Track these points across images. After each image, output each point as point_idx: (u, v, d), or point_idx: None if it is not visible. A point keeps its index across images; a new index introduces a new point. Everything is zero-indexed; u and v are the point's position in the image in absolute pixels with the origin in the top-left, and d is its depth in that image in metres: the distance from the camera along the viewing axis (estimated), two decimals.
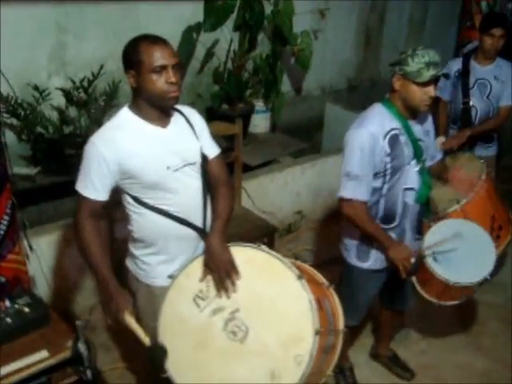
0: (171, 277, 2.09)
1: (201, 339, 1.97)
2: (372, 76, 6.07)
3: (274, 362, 1.88)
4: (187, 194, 2.08)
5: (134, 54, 1.92)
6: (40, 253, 3.05)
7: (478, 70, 3.64)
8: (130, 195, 2.05)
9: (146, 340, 1.95)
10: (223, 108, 4.39)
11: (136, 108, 2.01)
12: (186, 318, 2.00)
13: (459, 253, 2.54)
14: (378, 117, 2.37)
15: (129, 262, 2.22)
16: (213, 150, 2.22)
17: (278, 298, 1.94)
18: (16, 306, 2.20)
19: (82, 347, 2.02)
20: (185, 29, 3.93)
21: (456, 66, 3.71)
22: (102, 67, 3.63)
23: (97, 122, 3.74)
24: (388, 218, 2.48)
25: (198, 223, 2.12)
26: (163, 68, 1.90)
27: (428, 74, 2.24)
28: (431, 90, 2.28)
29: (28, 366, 2.01)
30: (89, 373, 2.07)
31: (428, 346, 3.42)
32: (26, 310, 2.18)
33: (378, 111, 2.41)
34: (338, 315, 2.16)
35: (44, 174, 3.60)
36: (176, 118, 2.10)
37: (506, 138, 4.05)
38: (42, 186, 3.57)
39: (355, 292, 2.65)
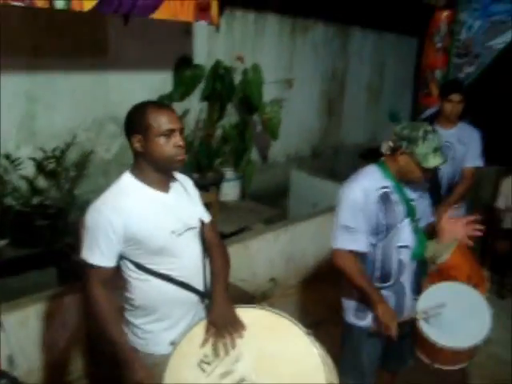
0: (173, 343, 2.02)
1: None
2: (334, 143, 6.23)
3: None
4: (190, 258, 2.08)
5: (141, 119, 1.93)
6: (11, 330, 2.86)
7: (442, 133, 3.75)
8: (131, 262, 2.01)
9: None
10: (194, 177, 4.38)
11: (139, 173, 2.01)
12: (191, 383, 1.93)
13: (454, 316, 2.52)
14: (371, 175, 2.45)
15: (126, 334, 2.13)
16: (206, 216, 2.25)
17: (288, 356, 1.93)
18: None
19: None
20: (158, 98, 3.96)
21: None
22: (75, 137, 3.58)
23: (68, 193, 3.67)
24: (384, 275, 2.48)
25: (199, 286, 2.10)
26: (171, 132, 1.93)
27: (434, 161, 2.32)
28: (430, 172, 2.39)
29: None
30: None
31: None
32: None
33: (371, 170, 2.48)
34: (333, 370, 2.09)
35: (12, 246, 3.46)
36: (174, 184, 2.11)
37: (471, 197, 4.15)
38: (8, 259, 3.42)
39: (357, 354, 2.59)
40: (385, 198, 2.40)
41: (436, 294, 2.59)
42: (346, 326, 2.62)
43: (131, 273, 2.02)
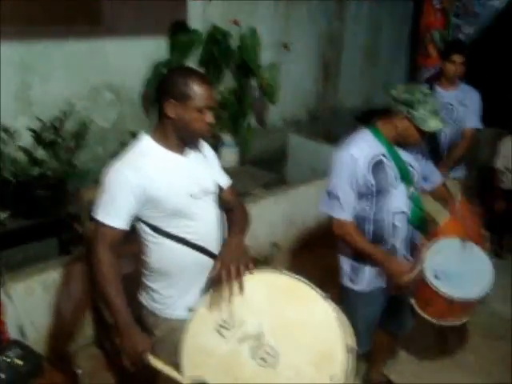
0: (191, 309, 2.02)
1: (229, 369, 1.91)
2: (331, 106, 6.19)
3: (309, 382, 1.85)
4: (207, 222, 2.07)
5: (182, 86, 1.90)
6: (18, 300, 2.88)
7: (443, 94, 3.76)
8: (148, 225, 2.01)
9: (181, 378, 1.87)
10: None
11: (160, 137, 1.99)
12: (211, 349, 1.93)
13: (459, 270, 2.58)
14: (363, 141, 2.43)
15: (144, 298, 2.16)
16: (225, 180, 2.25)
17: (306, 320, 1.92)
18: (7, 359, 2.04)
19: None
20: (154, 65, 3.91)
21: None
22: (72, 106, 3.55)
23: (67, 163, 3.65)
24: (377, 240, 2.49)
25: (217, 251, 2.09)
26: (207, 108, 1.93)
27: (434, 124, 2.31)
28: (428, 135, 2.37)
29: None
30: None
31: (419, 369, 3.41)
32: (19, 362, 2.02)
33: (364, 136, 2.46)
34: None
35: (13, 218, 3.45)
36: (192, 148, 2.10)
37: (470, 159, 4.16)
38: (11, 230, 3.42)
39: (354, 317, 2.60)
40: (377, 166, 2.39)
41: (441, 248, 2.63)
42: (343, 290, 2.66)
43: (148, 236, 2.03)
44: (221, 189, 2.17)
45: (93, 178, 3.93)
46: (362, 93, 6.50)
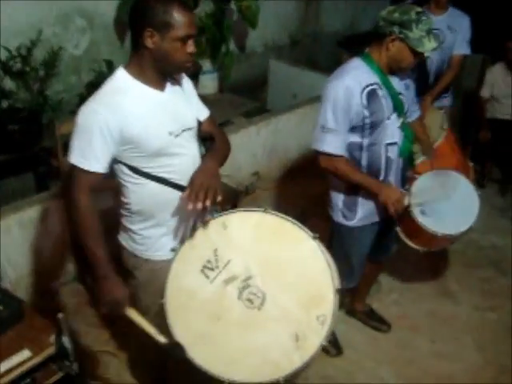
0: (174, 249, 1.97)
1: (214, 311, 1.88)
2: (313, 30, 5.96)
3: (296, 324, 1.83)
4: (187, 160, 1.97)
5: (162, 14, 1.74)
6: None
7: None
8: (127, 165, 1.90)
9: (159, 337, 1.85)
10: None
11: (137, 70, 1.85)
12: (195, 290, 1.89)
13: (445, 204, 2.56)
14: (355, 71, 2.31)
15: (123, 239, 2.08)
16: (204, 112, 2.12)
17: (294, 260, 1.88)
18: None
19: (66, 341, 1.86)
20: None
21: None
22: (40, 33, 3.33)
23: (38, 94, 3.47)
24: (372, 174, 2.43)
25: None
26: (189, 37, 1.79)
27: (430, 44, 2.19)
28: (423, 57, 2.25)
29: (10, 370, 1.81)
30: (75, 367, 1.92)
31: (399, 297, 3.48)
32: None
33: (356, 65, 2.34)
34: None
35: None
36: (170, 81, 1.96)
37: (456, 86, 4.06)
38: None
39: (347, 252, 2.63)
40: (371, 95, 2.29)
41: (427, 182, 2.60)
42: (335, 225, 2.63)
43: (127, 177, 1.93)
44: (200, 122, 2.07)
45: (67, 109, 3.80)
46: (345, 17, 6.25)
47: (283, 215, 1.90)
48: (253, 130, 4.25)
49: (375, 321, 3.20)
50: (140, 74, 1.85)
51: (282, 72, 5.48)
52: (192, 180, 1.86)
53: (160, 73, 1.85)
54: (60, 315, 1.86)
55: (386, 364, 2.99)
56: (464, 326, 3.28)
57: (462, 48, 3.62)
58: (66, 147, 3.04)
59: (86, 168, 1.82)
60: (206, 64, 4.48)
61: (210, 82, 4.61)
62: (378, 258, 2.93)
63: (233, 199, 3.59)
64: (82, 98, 3.90)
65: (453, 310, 3.40)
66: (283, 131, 4.47)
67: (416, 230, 2.60)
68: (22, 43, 3.33)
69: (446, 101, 3.82)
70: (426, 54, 2.23)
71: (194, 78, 4.26)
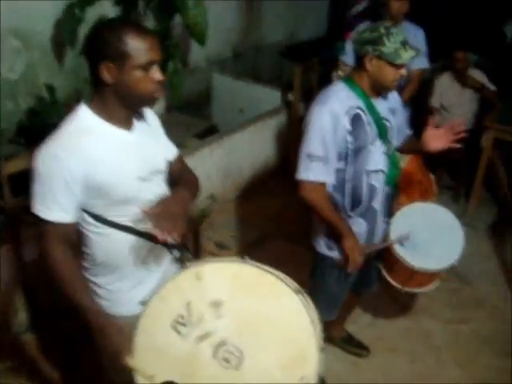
0: (143, 303, 1.73)
1: (186, 370, 1.68)
2: (255, 42, 5.83)
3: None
4: None
5: (116, 43, 1.55)
6: None
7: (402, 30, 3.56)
8: (89, 213, 1.70)
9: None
10: None
11: (100, 107, 1.66)
12: (165, 348, 1.68)
13: (426, 238, 2.46)
14: (339, 94, 2.21)
15: None
16: (172, 151, 1.95)
17: (275, 317, 1.69)
18: None
19: None
20: (66, 5, 3.38)
21: None
22: None
23: None
24: (355, 202, 2.33)
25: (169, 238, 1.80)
26: (151, 64, 1.58)
27: (407, 54, 2.11)
28: (404, 70, 2.16)
29: None
30: None
31: (373, 317, 3.41)
32: None
33: (339, 89, 2.24)
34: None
35: None
36: (137, 119, 1.77)
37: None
38: None
39: (330, 285, 2.49)
40: (355, 120, 2.19)
41: (407, 216, 2.51)
42: (318, 256, 2.49)
43: (89, 226, 1.72)
44: (169, 162, 1.89)
45: (5, 138, 3.47)
46: (286, 27, 6.17)
47: (264, 266, 1.73)
48: (206, 152, 4.08)
49: (354, 347, 3.11)
50: (104, 112, 1.66)
51: (226, 86, 5.33)
52: (162, 205, 1.65)
53: (126, 109, 1.66)
54: None
55: None
56: (440, 342, 3.26)
57: (419, 62, 3.57)
58: (13, 187, 2.80)
59: (53, 220, 1.62)
60: None
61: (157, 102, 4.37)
62: (359, 290, 2.82)
63: (193, 227, 3.42)
64: (22, 126, 3.60)
65: (427, 326, 3.38)
66: (236, 150, 4.34)
67: (395, 264, 2.50)
68: None
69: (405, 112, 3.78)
70: (406, 61, 2.14)
71: None
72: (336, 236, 2.33)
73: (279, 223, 4.18)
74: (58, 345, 2.92)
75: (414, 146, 2.51)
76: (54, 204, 1.61)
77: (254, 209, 4.37)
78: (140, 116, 1.78)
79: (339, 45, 3.97)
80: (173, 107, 4.64)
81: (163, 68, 3.94)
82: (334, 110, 2.15)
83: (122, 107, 1.65)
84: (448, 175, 4.89)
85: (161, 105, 4.42)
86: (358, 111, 2.20)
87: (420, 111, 4.72)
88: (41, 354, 2.89)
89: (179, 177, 1.91)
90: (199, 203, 4.12)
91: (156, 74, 1.60)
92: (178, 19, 4.16)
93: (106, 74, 1.58)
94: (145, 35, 1.58)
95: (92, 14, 3.60)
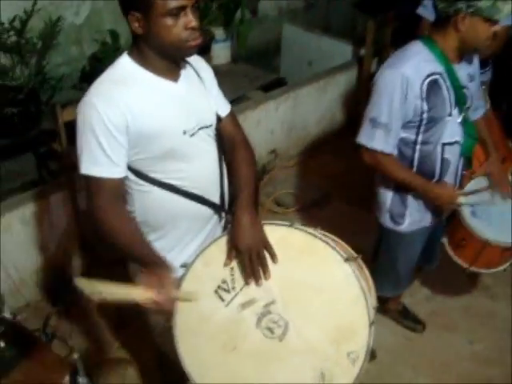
0: (185, 266, 1.69)
1: (229, 339, 1.63)
2: None
3: (322, 360, 1.58)
4: (204, 164, 1.69)
5: None
6: None
7: None
8: (130, 169, 1.62)
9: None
10: None
11: (141, 58, 1.56)
12: (208, 314, 1.63)
13: (500, 210, 2.25)
14: (417, 57, 1.99)
15: None
16: (225, 107, 1.82)
17: (322, 286, 1.60)
18: None
19: (83, 382, 1.60)
20: None
21: None
22: (35, 2, 2.96)
23: (36, 69, 3.13)
24: (425, 175, 2.15)
25: (215, 199, 1.75)
26: (181, 9, 1.45)
27: (507, 7, 1.83)
28: (498, 26, 1.89)
29: None
30: None
31: (432, 291, 3.24)
32: (0, 344, 1.68)
33: (417, 51, 2.01)
34: (372, 291, 1.81)
35: None
36: (185, 70, 1.66)
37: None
38: None
39: (396, 260, 2.37)
40: (433, 87, 1.98)
41: (483, 184, 2.31)
42: (383, 230, 2.35)
43: (130, 183, 1.64)
44: (219, 118, 1.77)
45: (68, 84, 3.47)
46: None
47: (312, 231, 1.63)
48: (271, 106, 3.92)
49: (409, 320, 2.96)
50: (145, 61, 1.56)
51: (296, 38, 5.10)
52: (237, 248, 1.57)
53: (166, 59, 1.55)
54: (75, 356, 1.59)
55: (422, 369, 2.76)
56: (502, 324, 3.04)
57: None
58: (69, 134, 2.78)
59: (101, 175, 1.53)
60: (219, 32, 4.11)
61: (222, 51, 4.25)
62: (419, 264, 2.65)
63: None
64: (84, 72, 3.58)
65: (489, 306, 3.16)
66: (302, 106, 4.15)
67: (464, 238, 2.31)
68: (16, 14, 2.96)
69: (485, 76, 3.46)
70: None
71: (206, 48, 3.91)
72: (402, 208, 2.19)
73: (341, 184, 4.01)
74: None
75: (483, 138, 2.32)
76: (102, 157, 1.52)
77: (316, 167, 4.21)
78: (189, 66, 1.67)
79: None
80: (239, 57, 4.51)
81: (230, 16, 3.85)
82: (408, 75, 1.95)
83: (161, 58, 1.55)
84: None
85: (226, 54, 4.29)
86: (437, 77, 1.99)
87: (504, 74, 4.35)
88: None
89: (231, 142, 1.79)
90: (260, 158, 4.04)
91: (188, 19, 1.46)
92: None
93: (135, 24, 1.48)
94: None
95: None
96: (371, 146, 2.06)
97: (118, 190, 1.58)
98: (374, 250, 2.45)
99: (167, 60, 1.56)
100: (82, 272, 3.06)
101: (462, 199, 2.17)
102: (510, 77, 4.26)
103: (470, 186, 2.27)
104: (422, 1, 3.56)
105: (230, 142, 1.79)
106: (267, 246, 1.60)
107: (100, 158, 1.52)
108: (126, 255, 1.67)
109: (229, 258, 1.61)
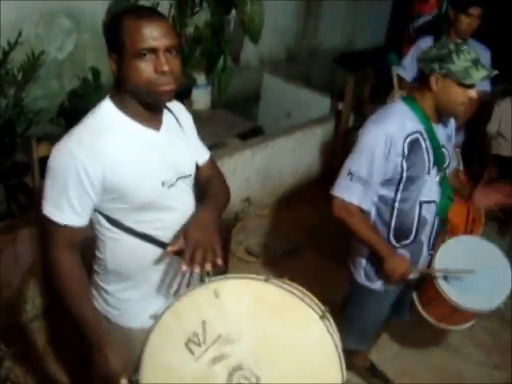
0: (155, 316, 1.59)
1: None
2: (310, 46, 5.68)
3: None
4: (180, 215, 1.63)
5: (116, 32, 1.43)
6: None
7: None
8: (106, 217, 1.57)
9: None
10: None
11: (121, 103, 1.52)
12: (176, 368, 1.54)
13: (472, 274, 2.25)
14: (400, 115, 2.03)
15: (95, 297, 1.73)
16: (205, 154, 1.80)
17: (297, 344, 1.55)
18: None
19: None
20: None
21: (427, 44, 3.40)
22: (20, 34, 2.94)
23: (14, 101, 3.09)
24: (402, 233, 2.15)
25: None
26: (152, 51, 1.41)
27: (478, 74, 1.91)
28: (473, 92, 1.96)
29: None
30: None
31: (400, 348, 3.21)
32: None
33: (400, 109, 2.06)
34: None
35: None
36: (167, 117, 1.63)
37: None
38: None
39: (365, 315, 2.35)
40: (414, 146, 2.01)
41: (453, 249, 2.31)
42: (355, 285, 2.32)
43: (104, 230, 1.59)
44: (197, 166, 1.74)
45: (45, 118, 3.42)
46: (343, 33, 6.00)
47: (288, 287, 1.59)
48: (248, 154, 3.94)
49: (377, 378, 2.91)
50: (125, 107, 1.52)
51: (276, 88, 5.19)
52: (186, 236, 1.51)
53: (142, 105, 1.51)
54: None
55: None
56: None
57: (482, 84, 3.35)
58: (43, 169, 2.72)
59: (60, 221, 1.49)
60: (200, 78, 4.15)
61: (202, 97, 4.29)
62: (388, 317, 2.63)
63: (225, 233, 3.29)
64: (63, 107, 3.54)
65: (458, 366, 3.14)
66: (279, 156, 4.19)
67: (435, 299, 2.30)
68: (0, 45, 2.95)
69: (459, 138, 3.56)
70: (478, 82, 1.95)
71: (188, 92, 3.93)
72: (377, 259, 2.16)
73: (314, 236, 4.01)
74: (67, 337, 2.83)
75: (458, 187, 2.37)
76: (67, 206, 1.48)
77: (289, 218, 4.21)
78: (170, 114, 1.65)
79: (392, 56, 3.75)
80: (219, 103, 4.54)
81: (213, 63, 3.88)
82: (392, 133, 1.98)
83: (137, 103, 1.51)
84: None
85: (206, 99, 4.33)
86: (418, 136, 2.02)
87: (475, 137, 4.49)
88: (48, 344, 2.81)
89: (208, 184, 1.76)
90: (234, 205, 4.01)
91: (159, 62, 1.42)
92: (232, 15, 4.07)
93: (112, 66, 1.47)
94: (143, 19, 1.41)
95: (145, 2, 3.53)
96: (348, 198, 2.05)
97: (75, 238, 1.54)
98: (343, 302, 2.42)
99: (144, 106, 1.52)
100: (42, 312, 2.95)
101: (412, 276, 2.19)
102: (481, 139, 4.41)
103: (440, 251, 2.28)
104: (401, 62, 3.70)
105: (206, 181, 1.76)
106: (215, 244, 1.53)
107: (64, 204, 1.48)
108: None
109: (173, 244, 1.53)
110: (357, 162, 2.02)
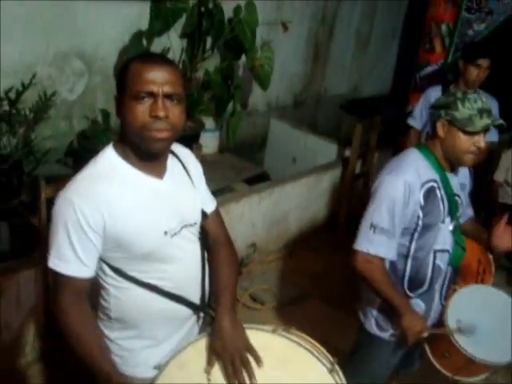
0: (158, 367, 1.57)
1: None
2: (318, 92, 5.75)
3: None
4: (185, 265, 1.60)
5: (122, 75, 1.45)
6: None
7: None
8: (109, 265, 1.54)
9: None
10: None
11: (123, 150, 1.51)
12: None
13: (485, 325, 2.19)
14: (415, 164, 2.01)
15: None
16: (211, 204, 1.76)
17: None
18: None
19: None
20: (134, 33, 3.35)
21: (436, 93, 3.43)
22: (34, 76, 2.97)
23: (23, 141, 3.09)
24: (416, 282, 2.10)
25: (195, 298, 1.65)
26: (150, 95, 1.40)
27: (481, 122, 1.91)
28: (481, 141, 1.94)
29: None
30: None
31: None
32: None
33: (415, 158, 2.04)
34: None
35: None
36: (172, 165, 1.60)
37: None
38: None
39: (375, 365, 2.26)
40: (429, 194, 1.99)
41: (464, 300, 2.25)
42: (365, 333, 2.25)
43: (108, 278, 1.56)
44: (204, 214, 1.70)
45: (53, 158, 3.42)
46: (350, 80, 6.09)
47: (295, 338, 1.59)
48: (254, 199, 3.90)
49: None
50: (126, 154, 1.50)
51: (282, 133, 5.22)
52: (218, 354, 1.53)
53: (140, 152, 1.48)
54: None
55: None
56: None
57: (490, 134, 3.36)
58: (49, 210, 2.69)
59: (65, 273, 1.45)
60: (209, 122, 4.17)
61: (210, 141, 4.30)
62: (398, 369, 2.54)
63: None
64: (71, 148, 3.55)
65: None
66: (285, 202, 4.16)
67: (449, 351, 2.22)
68: (13, 84, 2.96)
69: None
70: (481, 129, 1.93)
71: (196, 136, 3.94)
72: (391, 312, 2.10)
73: (320, 283, 3.94)
74: (67, 380, 2.75)
75: (477, 234, 2.32)
76: (71, 256, 1.45)
77: (295, 264, 4.15)
78: (177, 161, 1.63)
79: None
80: (226, 148, 4.56)
81: (222, 108, 3.91)
82: (410, 182, 1.96)
83: (135, 149, 1.48)
84: (504, 255, 4.57)
85: (214, 144, 4.34)
86: (433, 185, 2.01)
87: (482, 185, 4.48)
88: None
89: (214, 240, 1.73)
90: (240, 251, 3.96)
91: (154, 107, 1.40)
92: (243, 60, 4.12)
93: (116, 108, 1.47)
94: (151, 65, 1.41)
95: (157, 45, 3.58)
96: (374, 251, 1.99)
97: (83, 289, 1.50)
98: (351, 351, 2.34)
99: (142, 153, 1.48)
100: (42, 356, 2.86)
101: (426, 334, 2.10)
102: (489, 188, 4.40)
103: (452, 308, 2.22)
104: (411, 112, 3.72)
105: (212, 240, 1.73)
106: (250, 349, 1.54)
107: (69, 255, 1.45)
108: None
109: (210, 363, 1.53)
110: (378, 214, 1.99)
